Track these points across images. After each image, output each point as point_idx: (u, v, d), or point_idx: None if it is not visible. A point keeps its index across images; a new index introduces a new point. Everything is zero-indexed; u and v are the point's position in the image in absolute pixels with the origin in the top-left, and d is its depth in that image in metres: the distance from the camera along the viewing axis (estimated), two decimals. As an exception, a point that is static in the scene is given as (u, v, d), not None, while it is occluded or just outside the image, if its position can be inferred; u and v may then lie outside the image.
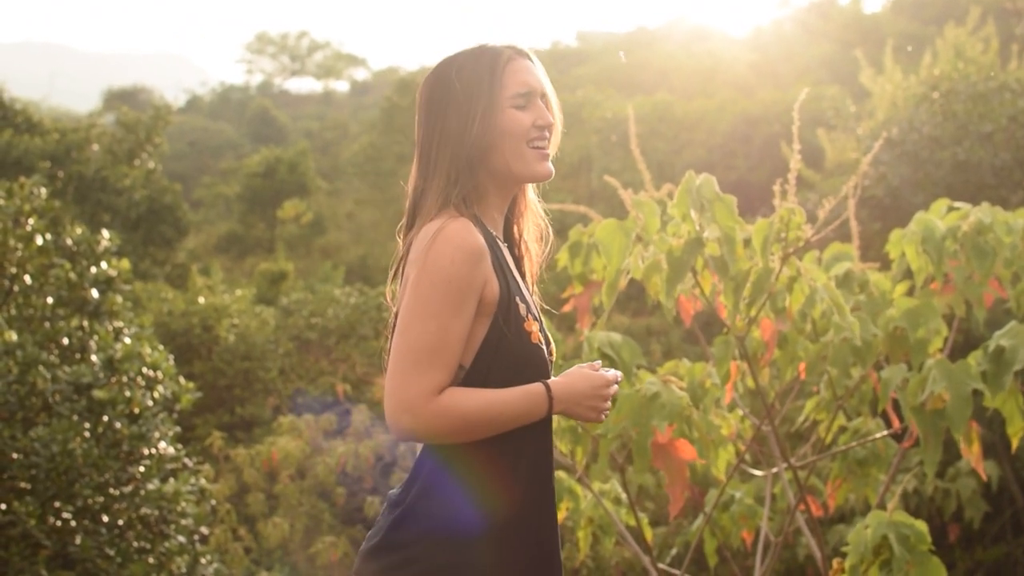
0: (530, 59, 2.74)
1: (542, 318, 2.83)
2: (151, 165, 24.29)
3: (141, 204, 23.19)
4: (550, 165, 2.71)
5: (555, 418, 2.98)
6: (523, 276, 2.86)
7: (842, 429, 5.28)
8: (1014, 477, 8.86)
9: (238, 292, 18.00)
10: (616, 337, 4.55)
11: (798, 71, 27.61)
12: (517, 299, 2.63)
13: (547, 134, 2.70)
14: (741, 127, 20.58)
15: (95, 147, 23.54)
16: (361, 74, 79.18)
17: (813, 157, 15.58)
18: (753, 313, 4.17)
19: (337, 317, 16.42)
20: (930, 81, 11.57)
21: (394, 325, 2.65)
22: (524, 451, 2.64)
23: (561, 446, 4.45)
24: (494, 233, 2.72)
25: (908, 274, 4.88)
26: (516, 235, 2.87)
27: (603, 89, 32.58)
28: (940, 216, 4.78)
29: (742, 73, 30.88)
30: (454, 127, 2.64)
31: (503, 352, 2.58)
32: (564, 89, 37.98)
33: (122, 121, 24.63)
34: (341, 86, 78.59)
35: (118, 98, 59.44)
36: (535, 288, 2.92)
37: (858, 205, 11.53)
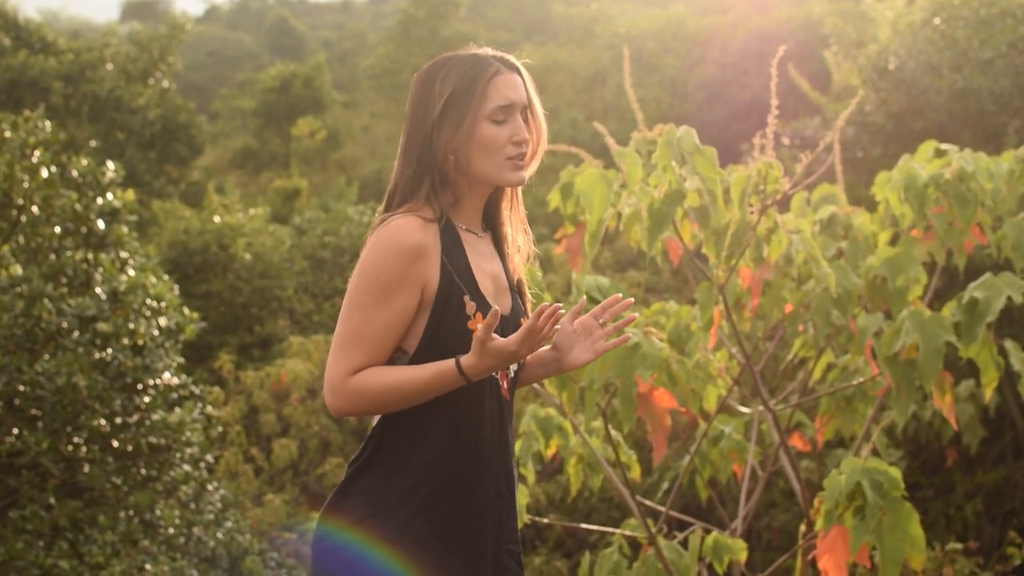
0: (518, 72, 2.84)
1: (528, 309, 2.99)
2: (165, 84, 24.35)
3: (155, 123, 23.32)
4: (524, 174, 2.83)
5: None
6: (509, 274, 2.98)
7: (830, 366, 5.35)
8: (1015, 401, 8.91)
9: (252, 211, 18.09)
10: (604, 280, 4.60)
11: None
12: (465, 298, 2.76)
13: (524, 148, 2.81)
14: (755, 44, 20.29)
15: (109, 66, 23.61)
16: (381, -18, 78.46)
17: (821, 78, 15.46)
18: (733, 263, 4.23)
19: (350, 235, 16.53)
20: (932, 7, 11.46)
21: None
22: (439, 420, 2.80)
23: (549, 388, 4.53)
24: (463, 227, 2.85)
25: (894, 219, 4.90)
26: (503, 235, 3.00)
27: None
28: (927, 160, 4.80)
29: (760, -16, 30.45)
30: (433, 131, 2.77)
31: (440, 344, 2.74)
32: (579, 2, 37.70)
33: (136, 39, 24.64)
34: (360, -7, 77.90)
35: (136, 7, 59.11)
36: (523, 285, 3.04)
37: (859, 131, 11.53)
